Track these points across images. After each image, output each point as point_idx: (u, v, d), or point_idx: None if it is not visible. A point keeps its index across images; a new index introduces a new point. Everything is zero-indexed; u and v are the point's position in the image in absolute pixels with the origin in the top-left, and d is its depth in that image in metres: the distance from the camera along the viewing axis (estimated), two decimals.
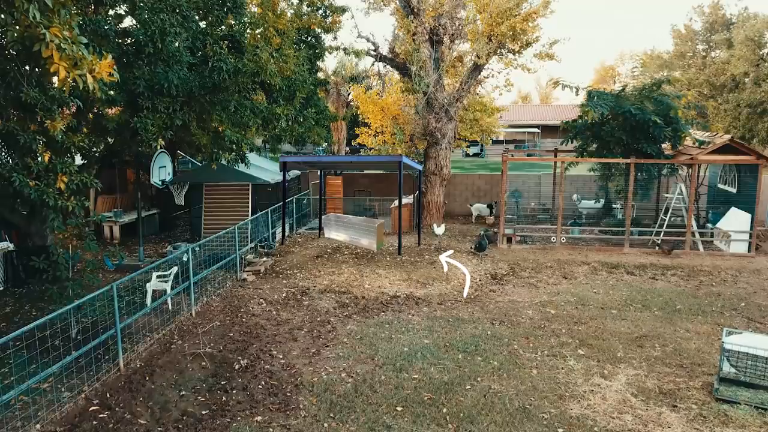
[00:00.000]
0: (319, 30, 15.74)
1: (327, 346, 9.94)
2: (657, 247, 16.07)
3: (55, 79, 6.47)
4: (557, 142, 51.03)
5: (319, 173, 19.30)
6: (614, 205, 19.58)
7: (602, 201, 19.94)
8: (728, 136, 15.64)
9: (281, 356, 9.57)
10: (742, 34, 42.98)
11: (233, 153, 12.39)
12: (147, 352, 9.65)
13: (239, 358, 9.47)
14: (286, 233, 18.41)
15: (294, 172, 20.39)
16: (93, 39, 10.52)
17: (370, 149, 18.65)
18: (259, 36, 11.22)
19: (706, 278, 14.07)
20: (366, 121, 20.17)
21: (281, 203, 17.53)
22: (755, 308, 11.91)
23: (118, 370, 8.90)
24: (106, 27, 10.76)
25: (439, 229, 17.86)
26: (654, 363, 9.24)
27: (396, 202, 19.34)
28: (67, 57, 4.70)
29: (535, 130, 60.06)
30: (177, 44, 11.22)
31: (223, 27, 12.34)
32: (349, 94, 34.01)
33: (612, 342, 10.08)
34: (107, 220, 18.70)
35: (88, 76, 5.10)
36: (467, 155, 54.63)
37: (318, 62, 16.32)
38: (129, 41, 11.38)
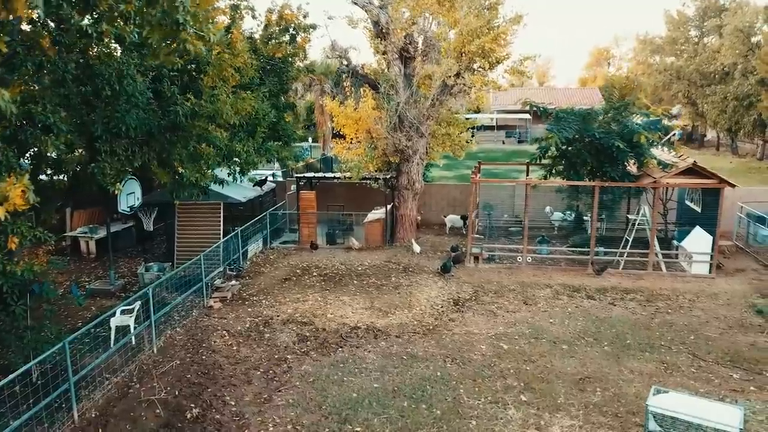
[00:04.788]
0: (289, 51, 15.73)
1: (279, 391, 10.27)
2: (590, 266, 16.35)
3: None
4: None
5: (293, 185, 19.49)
6: (585, 218, 19.82)
7: (573, 214, 20.18)
8: (691, 160, 15.81)
9: (233, 403, 9.90)
10: (732, 25, 42.72)
11: (195, 189, 12.56)
12: (104, 399, 9.98)
13: (192, 405, 9.81)
14: (260, 249, 18.67)
15: (269, 185, 20.56)
16: (51, 84, 10.67)
17: (343, 163, 18.80)
18: (215, 76, 11.30)
19: (664, 304, 14.37)
20: (342, 132, 20.24)
21: (253, 221, 17.79)
22: (703, 342, 12.23)
23: (72, 422, 9.24)
24: (63, 71, 10.76)
25: (417, 247, 18.16)
26: (591, 411, 9.59)
27: (369, 216, 19.58)
28: None
29: (527, 116, 59.73)
30: (135, 85, 11.30)
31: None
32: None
33: (555, 385, 10.41)
34: (83, 235, 18.99)
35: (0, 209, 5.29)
36: None
37: (288, 84, 16.35)
38: (84, 76, 11.27)
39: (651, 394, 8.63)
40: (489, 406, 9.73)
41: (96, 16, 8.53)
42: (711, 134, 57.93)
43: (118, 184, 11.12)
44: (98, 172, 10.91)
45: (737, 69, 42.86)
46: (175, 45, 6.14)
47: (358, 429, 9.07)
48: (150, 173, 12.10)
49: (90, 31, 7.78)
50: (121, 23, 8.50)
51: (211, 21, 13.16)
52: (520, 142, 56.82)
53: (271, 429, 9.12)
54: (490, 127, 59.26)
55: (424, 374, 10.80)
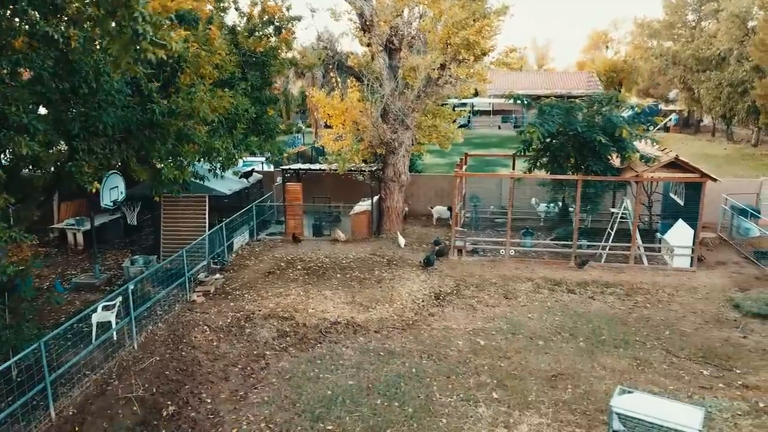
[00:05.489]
0: (272, 44, 15.65)
1: (255, 388, 10.43)
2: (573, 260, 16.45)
3: None
4: None
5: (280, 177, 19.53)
6: (570, 209, 19.89)
7: (559, 205, 20.24)
8: (674, 154, 15.85)
9: (209, 400, 10.07)
10: (729, 10, 42.38)
11: (174, 185, 12.60)
12: (82, 396, 10.14)
13: (168, 402, 9.97)
14: (246, 241, 18.77)
15: (255, 177, 20.60)
16: (28, 82, 10.67)
17: (329, 155, 18.84)
18: (192, 74, 11.29)
19: (643, 298, 14.49)
20: (329, 123, 20.25)
21: (239, 212, 17.85)
22: (678, 338, 12.36)
23: (49, 420, 9.40)
24: (40, 69, 10.72)
25: (401, 240, 18.25)
26: (560, 409, 9.75)
27: (356, 208, 19.65)
28: None
29: None
30: (112, 83, 11.28)
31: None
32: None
33: (528, 382, 10.56)
34: (70, 228, 19.07)
35: None
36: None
37: (271, 77, 16.32)
38: (63, 72, 11.21)
39: (616, 393, 8.77)
40: (460, 404, 9.89)
41: (65, 21, 8.51)
42: (707, 119, 57.82)
43: (96, 183, 11.14)
44: (75, 170, 10.94)
45: (733, 55, 42.64)
46: (135, 54, 6.14)
47: (330, 427, 9.23)
48: (129, 170, 12.13)
49: (56, 37, 7.77)
50: (90, 26, 8.45)
51: (196, 12, 13.16)
52: (516, 127, 56.58)
53: (245, 427, 9.29)
54: (486, 112, 59.08)
55: (400, 371, 10.95)
